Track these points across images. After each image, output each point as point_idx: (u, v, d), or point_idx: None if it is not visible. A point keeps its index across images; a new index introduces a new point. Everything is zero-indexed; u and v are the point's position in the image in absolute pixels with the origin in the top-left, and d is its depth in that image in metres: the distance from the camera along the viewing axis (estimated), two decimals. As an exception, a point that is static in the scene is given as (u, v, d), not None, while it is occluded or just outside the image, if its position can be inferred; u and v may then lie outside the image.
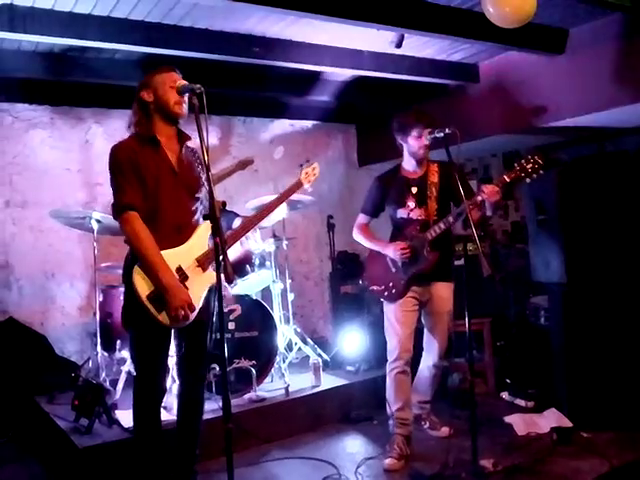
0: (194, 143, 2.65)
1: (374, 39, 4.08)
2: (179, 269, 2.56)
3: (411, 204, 3.37)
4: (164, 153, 2.62)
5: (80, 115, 4.91)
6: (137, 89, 2.65)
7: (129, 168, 2.51)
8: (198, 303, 2.59)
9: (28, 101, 4.68)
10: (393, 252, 3.32)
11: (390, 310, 3.39)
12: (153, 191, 2.55)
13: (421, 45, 4.26)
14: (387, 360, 3.42)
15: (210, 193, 2.24)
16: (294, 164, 5.88)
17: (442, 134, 3.06)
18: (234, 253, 4.15)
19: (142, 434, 2.68)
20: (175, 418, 2.91)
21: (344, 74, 4.76)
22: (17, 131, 4.67)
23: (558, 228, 3.74)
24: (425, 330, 3.52)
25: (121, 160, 2.54)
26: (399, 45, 4.08)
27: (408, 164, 3.46)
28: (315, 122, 6.13)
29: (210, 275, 2.64)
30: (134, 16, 3.49)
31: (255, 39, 3.91)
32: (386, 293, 3.39)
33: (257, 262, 4.23)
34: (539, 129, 4.57)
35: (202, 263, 2.63)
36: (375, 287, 3.46)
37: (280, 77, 4.62)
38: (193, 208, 2.71)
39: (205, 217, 2.32)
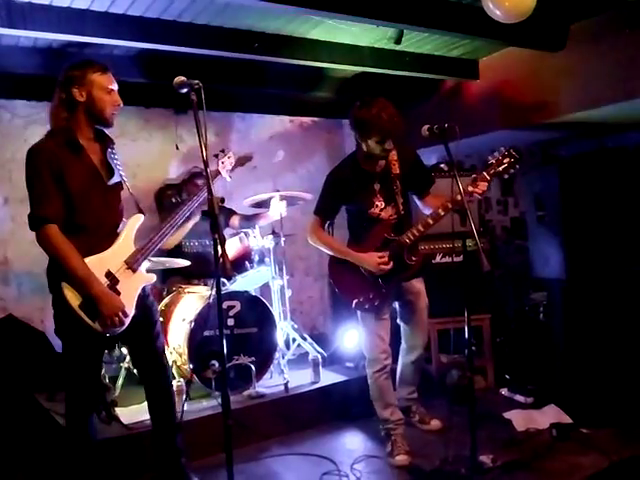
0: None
1: (373, 35, 4.07)
2: (108, 274, 2.49)
3: (379, 203, 3.17)
4: (87, 158, 2.51)
5: (79, 111, 4.89)
6: (64, 81, 2.51)
7: (48, 175, 2.37)
8: (131, 306, 2.54)
9: (26, 97, 4.66)
10: (374, 267, 3.08)
11: (368, 321, 3.24)
12: (80, 199, 2.44)
13: (420, 41, 4.25)
14: (368, 367, 3.32)
15: (209, 189, 2.23)
16: (294, 161, 5.90)
17: (441, 130, 3.01)
18: (233, 249, 4.16)
19: (73, 445, 2.61)
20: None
21: (343, 70, 4.75)
22: (16, 128, 4.65)
23: (558, 224, 3.74)
24: (405, 329, 3.47)
25: (40, 166, 2.39)
26: (398, 41, 4.07)
27: (367, 158, 3.19)
28: (315, 118, 6.12)
29: (140, 276, 2.62)
30: (132, 11, 3.48)
31: (254, 35, 3.90)
32: (367, 306, 3.17)
33: (256, 258, 4.24)
34: (539, 125, 4.57)
35: (131, 265, 2.56)
36: (355, 300, 3.17)
37: (279, 73, 4.61)
38: (119, 209, 2.67)
39: (204, 213, 2.33)
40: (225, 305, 3.89)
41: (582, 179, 3.72)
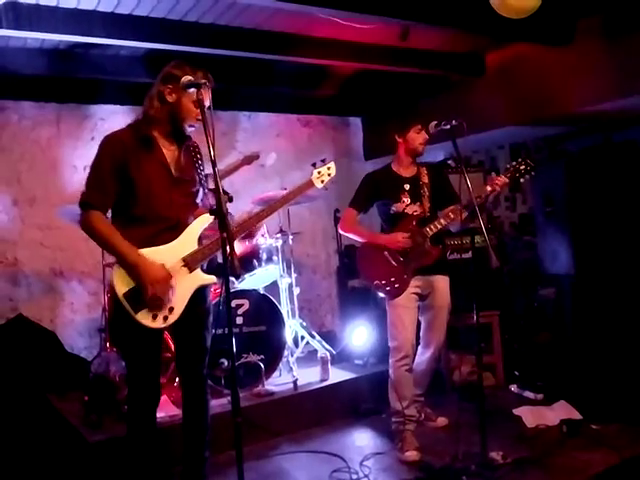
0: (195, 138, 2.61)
1: (379, 32, 4.06)
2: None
3: (406, 200, 3.42)
4: (159, 152, 2.51)
5: (86, 112, 4.92)
6: (164, 76, 2.48)
7: (108, 164, 2.41)
8: (180, 306, 2.48)
9: (34, 99, 4.69)
10: (394, 243, 3.34)
11: (394, 308, 3.38)
12: (142, 191, 2.44)
13: (427, 37, 4.24)
14: (390, 355, 3.41)
15: (217, 188, 2.22)
16: (300, 159, 5.89)
17: (448, 126, 3.05)
18: (241, 248, 4.16)
19: (136, 437, 2.57)
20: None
21: (349, 67, 4.74)
22: (24, 129, 4.68)
23: (566, 220, 3.73)
24: (423, 324, 3.52)
25: (103, 154, 2.43)
26: (404, 38, 4.06)
27: (401, 163, 3.52)
28: (321, 116, 6.13)
29: (197, 276, 2.55)
30: (138, 12, 3.50)
31: (260, 33, 3.90)
32: (388, 288, 3.37)
33: (264, 257, 4.24)
34: (546, 120, 4.55)
35: (188, 263, 2.50)
36: (377, 282, 3.40)
37: (285, 71, 4.61)
38: (189, 206, 2.63)
39: (212, 212, 2.30)
40: (234, 303, 3.90)
41: (590, 174, 3.71)
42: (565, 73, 4.19)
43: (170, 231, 2.52)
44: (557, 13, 3.89)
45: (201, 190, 2.67)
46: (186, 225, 2.57)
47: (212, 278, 2.61)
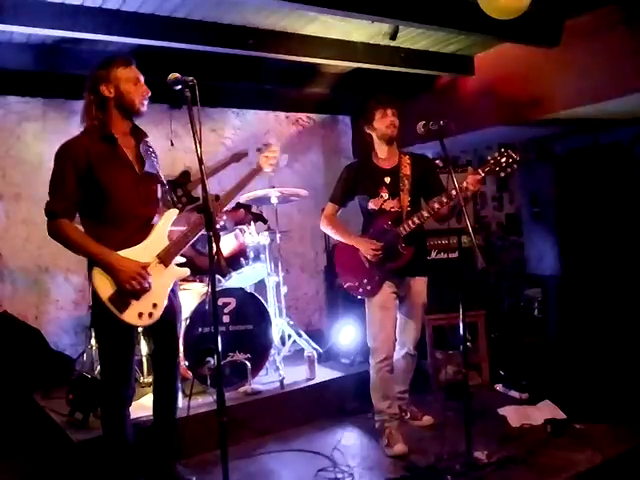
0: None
1: (368, 31, 4.06)
2: None
3: (384, 195, 3.35)
4: (122, 151, 2.57)
5: (73, 108, 4.85)
6: (92, 82, 2.56)
7: (71, 171, 2.45)
8: (163, 301, 2.57)
9: (20, 93, 4.64)
10: (365, 251, 3.29)
11: (373, 309, 3.36)
12: (112, 192, 2.49)
13: (415, 37, 4.25)
14: (371, 357, 3.40)
15: (203, 186, 2.22)
16: (290, 157, 5.83)
17: (437, 126, 3.03)
18: (229, 246, 4.15)
19: (109, 435, 2.63)
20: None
21: (338, 66, 4.74)
22: (9, 124, 4.63)
23: (552, 221, 3.75)
24: (399, 321, 3.53)
25: (64, 161, 2.47)
26: (393, 37, 4.06)
27: (380, 153, 3.44)
28: (310, 114, 6.12)
29: (173, 271, 2.65)
30: (127, 7, 3.46)
31: (249, 31, 3.88)
32: (360, 290, 3.37)
33: (252, 255, 4.23)
34: (534, 121, 4.57)
35: (163, 259, 2.59)
36: (349, 284, 3.42)
37: (274, 69, 4.60)
38: (155, 202, 2.71)
39: (199, 210, 2.31)
40: (220, 302, 3.88)
41: (577, 175, 3.74)
42: (553, 74, 4.21)
43: (142, 230, 2.59)
44: (545, 13, 3.90)
45: (159, 186, 2.74)
46: (152, 222, 2.65)
47: (186, 270, 2.70)
